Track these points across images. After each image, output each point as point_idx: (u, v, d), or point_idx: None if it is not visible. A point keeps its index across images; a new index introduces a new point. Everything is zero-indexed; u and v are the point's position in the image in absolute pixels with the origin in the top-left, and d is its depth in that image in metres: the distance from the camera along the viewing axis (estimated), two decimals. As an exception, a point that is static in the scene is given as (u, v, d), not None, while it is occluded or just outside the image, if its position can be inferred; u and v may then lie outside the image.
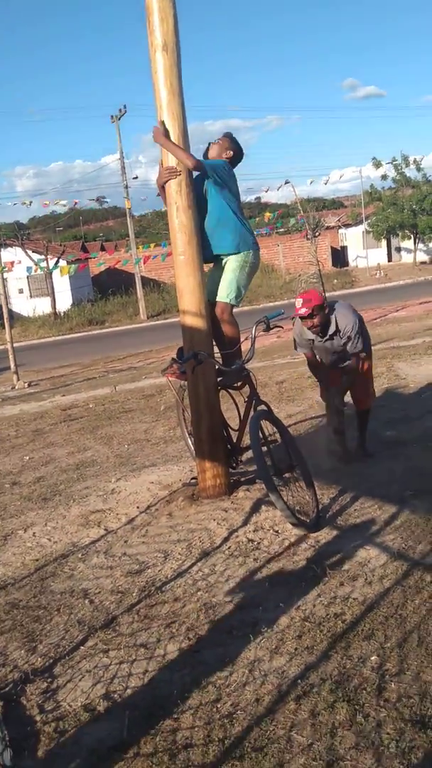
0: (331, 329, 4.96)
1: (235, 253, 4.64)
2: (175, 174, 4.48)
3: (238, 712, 2.53)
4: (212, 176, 4.51)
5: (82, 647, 3.16)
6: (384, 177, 38.06)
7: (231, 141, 4.77)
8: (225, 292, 4.68)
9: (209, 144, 4.77)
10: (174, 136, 4.50)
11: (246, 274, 4.71)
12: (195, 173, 4.55)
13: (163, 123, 4.50)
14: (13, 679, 2.97)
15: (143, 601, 3.51)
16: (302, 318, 4.93)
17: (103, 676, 2.91)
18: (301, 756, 2.25)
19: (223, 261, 4.69)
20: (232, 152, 4.73)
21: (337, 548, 3.79)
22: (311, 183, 41.92)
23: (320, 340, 5.03)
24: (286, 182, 17.10)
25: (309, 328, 4.99)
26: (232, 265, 4.67)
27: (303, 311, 4.86)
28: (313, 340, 5.08)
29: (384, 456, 5.23)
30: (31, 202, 26.73)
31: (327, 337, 4.99)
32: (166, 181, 4.55)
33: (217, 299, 4.70)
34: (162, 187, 4.65)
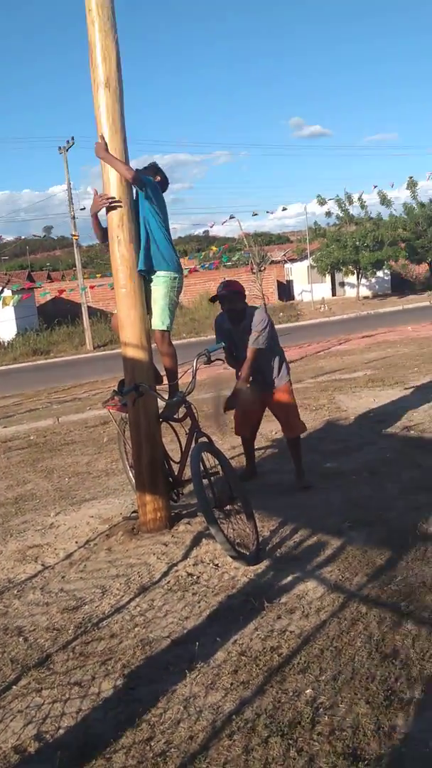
0: (245, 321, 5.20)
1: (165, 271, 4.70)
2: (112, 202, 4.53)
3: (172, 749, 2.50)
4: (146, 190, 4.58)
5: (14, 687, 3.08)
6: (328, 214, 39.18)
7: (156, 169, 4.90)
8: (160, 320, 4.73)
9: None
10: (114, 172, 4.54)
11: (175, 298, 4.80)
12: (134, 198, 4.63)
13: (102, 137, 4.54)
14: None
15: (79, 638, 3.45)
16: (220, 299, 5.23)
17: (35, 716, 2.83)
18: (233, 793, 2.24)
19: (151, 283, 4.73)
20: (159, 177, 4.85)
21: (275, 581, 3.80)
22: (254, 216, 42.90)
23: (235, 328, 5.28)
24: (231, 217, 17.55)
25: (225, 311, 5.28)
26: (161, 290, 4.71)
27: (223, 291, 5.22)
28: (230, 329, 5.32)
29: (323, 488, 5.30)
30: None
31: (240, 327, 5.22)
32: (99, 210, 4.60)
33: (153, 328, 4.74)
34: (95, 216, 4.70)
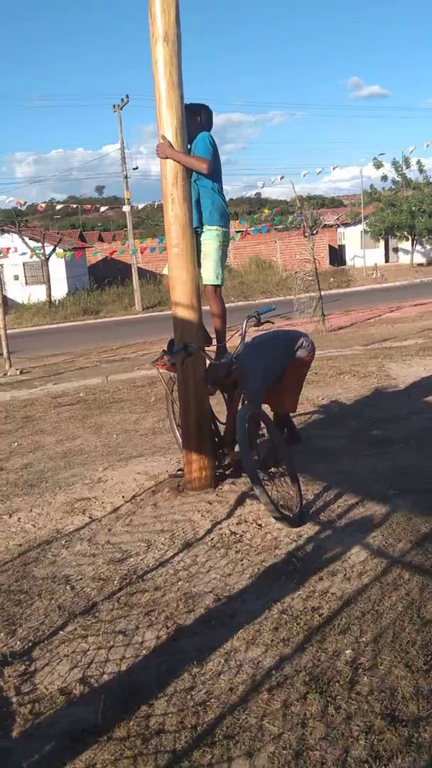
0: None
1: (216, 226, 4.68)
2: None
3: (212, 700, 2.56)
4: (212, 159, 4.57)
5: (61, 632, 3.19)
6: (384, 178, 38.14)
7: (195, 109, 4.76)
8: (213, 274, 4.74)
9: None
10: (172, 127, 4.50)
11: (224, 253, 4.79)
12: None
13: (164, 137, 4.50)
14: (-9, 661, 3.00)
15: (124, 588, 3.54)
16: None
17: (80, 661, 2.93)
18: (271, 745, 2.29)
19: (202, 237, 4.72)
20: (200, 117, 4.75)
21: (318, 543, 3.82)
22: (304, 176, 41.29)
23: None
24: (281, 178, 17.13)
25: None
26: (213, 245, 4.70)
27: None
28: None
29: (369, 454, 5.27)
30: (25, 203, 26.54)
31: None
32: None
33: (204, 283, 4.74)
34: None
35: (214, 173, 4.66)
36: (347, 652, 2.76)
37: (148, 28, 4.48)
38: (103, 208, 36.11)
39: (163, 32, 4.42)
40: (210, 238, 4.71)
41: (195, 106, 4.77)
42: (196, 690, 2.64)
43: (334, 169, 36.94)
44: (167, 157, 4.52)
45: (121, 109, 30.24)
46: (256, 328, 5.19)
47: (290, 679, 2.63)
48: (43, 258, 32.83)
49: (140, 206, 27.32)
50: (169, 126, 4.51)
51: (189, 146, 4.67)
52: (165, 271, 4.93)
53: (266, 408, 5.09)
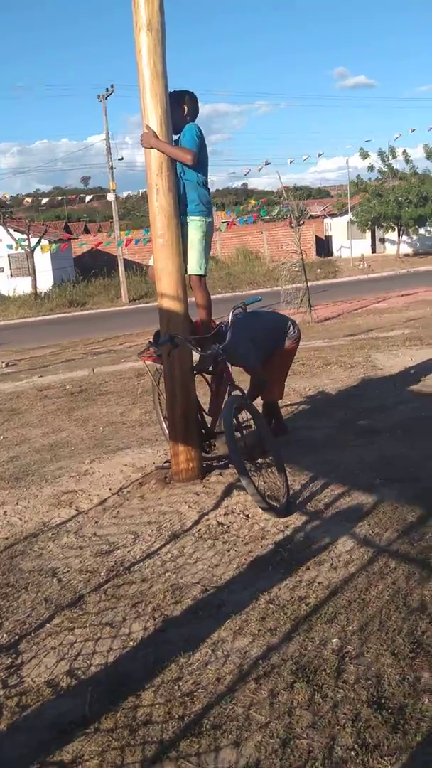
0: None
1: (200, 216, 4.68)
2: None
3: (199, 690, 2.57)
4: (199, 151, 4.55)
5: (48, 625, 3.18)
6: (371, 168, 38.04)
7: (180, 96, 4.70)
8: (197, 264, 4.73)
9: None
10: (156, 116, 4.47)
11: (208, 243, 4.79)
12: None
13: (148, 127, 4.46)
14: (-23, 654, 2.98)
15: (111, 581, 3.54)
16: None
17: (67, 653, 2.93)
18: (258, 734, 2.29)
19: (186, 227, 4.70)
20: (186, 107, 4.70)
21: (305, 533, 3.83)
22: (291, 163, 40.95)
23: None
24: (267, 163, 17.08)
25: None
26: (197, 235, 4.70)
27: None
28: None
29: (356, 445, 5.28)
30: (10, 196, 26.25)
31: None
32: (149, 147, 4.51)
33: (188, 273, 4.73)
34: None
35: (200, 165, 4.63)
36: (334, 641, 2.77)
37: (132, 17, 4.44)
38: (88, 198, 35.87)
39: (146, 21, 4.37)
40: (194, 229, 4.69)
41: (179, 93, 4.72)
42: (183, 680, 2.64)
43: (319, 156, 36.93)
44: (152, 147, 4.48)
45: (106, 98, 30.03)
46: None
47: (277, 668, 2.63)
48: (28, 250, 32.59)
49: (125, 194, 27.20)
50: (153, 116, 4.47)
51: (176, 136, 4.64)
52: (151, 263, 4.90)
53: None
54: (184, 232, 4.69)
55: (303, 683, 2.52)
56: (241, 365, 5.03)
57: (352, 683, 2.50)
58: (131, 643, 2.95)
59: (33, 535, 4.30)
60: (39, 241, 32.30)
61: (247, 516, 4.14)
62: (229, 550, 3.71)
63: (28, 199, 21.72)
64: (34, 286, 33.57)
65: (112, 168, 30.74)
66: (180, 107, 4.67)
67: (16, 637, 3.10)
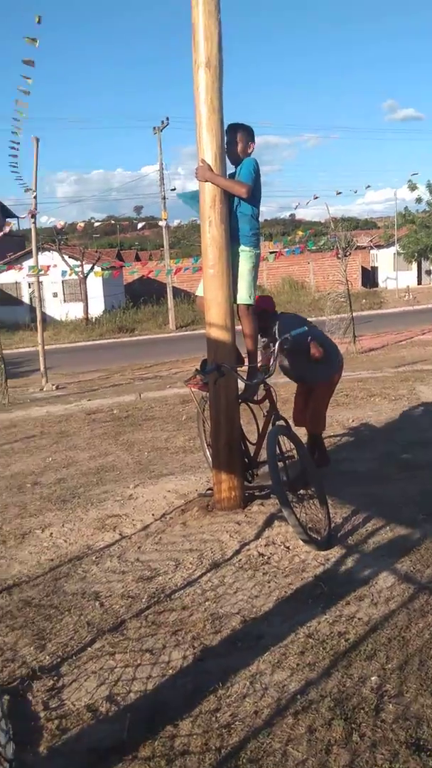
0: (272, 334, 5.15)
1: (250, 247, 4.78)
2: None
3: (237, 722, 2.57)
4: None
5: (89, 648, 3.23)
6: (419, 200, 37.84)
7: (246, 132, 4.80)
8: (246, 294, 4.82)
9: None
10: (211, 151, 4.59)
11: (256, 273, 4.90)
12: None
13: (203, 160, 4.61)
14: (20, 674, 3.04)
15: (152, 607, 3.57)
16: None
17: (107, 678, 2.97)
18: (294, 769, 2.29)
19: (237, 257, 4.78)
20: (253, 144, 4.81)
21: (346, 567, 3.81)
22: (338, 194, 40.44)
23: (263, 342, 5.34)
24: (315, 197, 17.17)
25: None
26: (248, 265, 4.79)
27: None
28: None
29: (399, 478, 5.24)
30: (65, 223, 26.70)
31: (268, 340, 5.25)
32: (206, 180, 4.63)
33: (238, 302, 4.81)
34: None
35: (254, 198, 4.74)
36: (373, 678, 2.75)
37: (191, 55, 4.59)
38: (140, 225, 36.50)
39: (205, 59, 4.52)
40: (245, 259, 4.79)
41: (235, 127, 4.81)
42: (221, 712, 2.65)
43: (367, 188, 37.14)
44: (207, 181, 4.61)
45: (161, 130, 30.72)
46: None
47: (315, 704, 2.62)
48: (81, 276, 33.34)
49: (175, 223, 27.47)
50: (209, 150, 4.60)
51: (231, 169, 4.76)
52: (198, 292, 5.00)
53: (298, 430, 5.11)
54: (234, 262, 4.78)
55: (341, 720, 2.50)
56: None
57: (391, 723, 2.48)
58: (170, 671, 2.97)
59: (77, 557, 4.37)
60: (92, 268, 33.03)
61: (287, 548, 4.14)
62: (269, 582, 3.71)
63: (81, 224, 22.16)
64: (86, 312, 34.24)
65: (164, 198, 31.32)
66: (235, 141, 4.78)
67: (58, 660, 3.15)
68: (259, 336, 5.11)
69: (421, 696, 2.60)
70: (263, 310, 5.18)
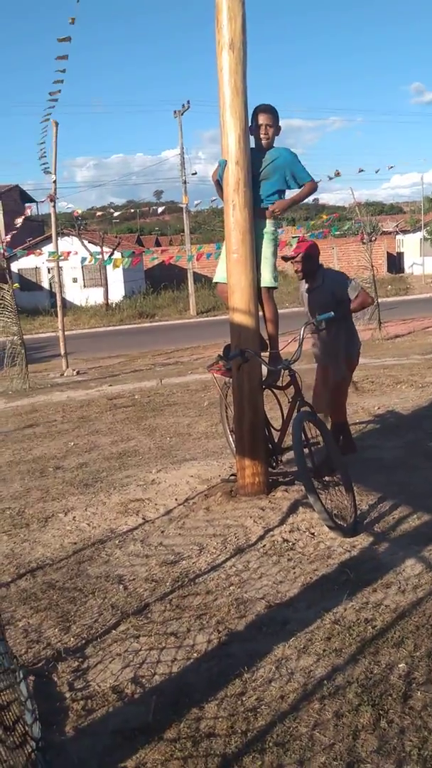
0: (317, 282, 5.29)
1: (272, 227, 4.81)
2: None
3: (263, 706, 2.56)
4: None
5: (114, 631, 3.23)
6: (445, 184, 37.35)
7: (273, 115, 4.73)
8: (270, 277, 4.80)
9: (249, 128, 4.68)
10: (235, 134, 4.53)
11: (276, 255, 4.90)
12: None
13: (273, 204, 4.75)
14: (45, 656, 3.06)
15: (176, 591, 3.57)
16: (289, 259, 5.32)
17: (132, 660, 2.97)
18: (321, 755, 2.27)
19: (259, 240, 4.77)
20: (267, 123, 4.72)
21: (372, 555, 3.78)
22: (360, 172, 38.86)
23: (306, 290, 5.42)
24: (338, 174, 16.83)
25: (295, 272, 5.39)
26: (271, 248, 4.80)
27: (291, 252, 5.31)
28: (305, 294, 5.47)
29: (426, 467, 5.18)
30: (81, 212, 26.49)
31: (313, 288, 5.33)
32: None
33: (262, 285, 4.79)
34: (217, 183, 4.71)
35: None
36: (401, 665, 2.72)
37: (215, 36, 4.52)
38: (160, 210, 36.42)
39: (229, 40, 4.45)
40: (267, 242, 4.75)
41: (261, 108, 4.74)
42: (246, 695, 2.64)
43: (390, 168, 36.57)
44: (286, 208, 4.79)
45: (182, 114, 30.53)
46: (313, 334, 5.19)
47: (342, 690, 2.60)
48: (101, 262, 33.38)
49: (195, 203, 27.24)
50: (232, 133, 4.54)
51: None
52: (216, 278, 4.96)
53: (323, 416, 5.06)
54: (257, 245, 4.73)
55: (368, 707, 2.48)
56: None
57: (419, 710, 2.45)
58: (195, 654, 2.97)
59: (101, 541, 4.38)
60: (111, 255, 33.05)
61: (312, 534, 4.11)
62: (294, 568, 3.69)
63: (100, 212, 22.02)
64: (106, 297, 34.30)
65: (185, 182, 31.18)
66: (268, 124, 4.70)
67: (83, 642, 3.16)
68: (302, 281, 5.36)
69: (450, 684, 2.57)
70: (308, 255, 5.26)
